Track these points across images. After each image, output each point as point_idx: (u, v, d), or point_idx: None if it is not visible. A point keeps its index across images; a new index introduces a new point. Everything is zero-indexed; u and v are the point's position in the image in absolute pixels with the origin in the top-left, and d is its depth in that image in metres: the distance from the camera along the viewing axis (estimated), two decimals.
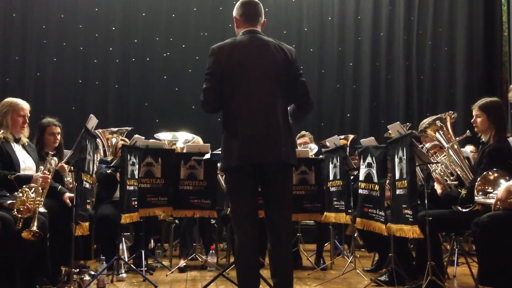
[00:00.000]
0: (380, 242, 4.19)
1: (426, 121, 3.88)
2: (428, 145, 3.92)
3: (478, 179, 3.13)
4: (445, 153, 3.72)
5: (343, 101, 7.71)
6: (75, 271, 3.55)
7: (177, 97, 7.33)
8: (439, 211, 3.62)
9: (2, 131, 3.31)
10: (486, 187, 3.07)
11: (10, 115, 3.58)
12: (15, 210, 3.09)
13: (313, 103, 2.93)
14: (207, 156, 4.02)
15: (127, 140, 4.88)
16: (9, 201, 3.24)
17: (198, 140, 5.33)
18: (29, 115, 3.72)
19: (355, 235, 4.89)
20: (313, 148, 5.31)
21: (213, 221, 5.17)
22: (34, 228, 3.04)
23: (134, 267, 4.26)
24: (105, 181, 4.66)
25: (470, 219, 3.22)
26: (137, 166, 4.19)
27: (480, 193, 3.08)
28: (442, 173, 3.67)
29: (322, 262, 4.81)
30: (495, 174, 3.07)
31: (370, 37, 7.76)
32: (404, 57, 7.71)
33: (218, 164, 4.38)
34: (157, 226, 5.15)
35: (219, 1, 7.58)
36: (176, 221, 5.15)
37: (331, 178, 4.41)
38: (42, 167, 3.56)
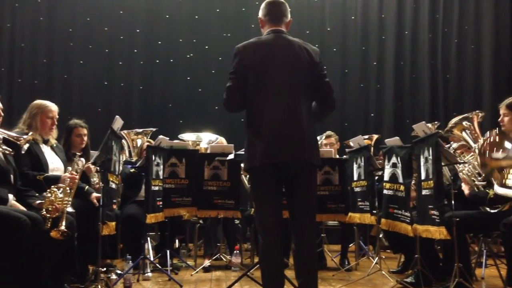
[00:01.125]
0: (405, 243, 4.13)
1: (454, 120, 3.83)
2: (455, 145, 3.86)
3: (482, 143, 3.05)
4: (472, 153, 3.65)
5: (367, 100, 7.65)
6: (102, 270, 3.60)
7: (201, 98, 7.39)
8: (466, 212, 3.56)
9: (31, 132, 3.38)
10: (494, 149, 2.99)
11: (39, 117, 3.66)
12: (44, 210, 3.14)
13: (335, 103, 2.92)
14: (231, 156, 4.04)
15: (152, 141, 4.94)
16: (38, 201, 3.30)
17: (222, 140, 5.36)
18: (57, 116, 3.79)
19: (380, 236, 4.84)
20: None
21: (237, 221, 5.18)
22: (63, 227, 3.09)
23: (160, 267, 4.29)
24: (129, 180, 4.73)
25: (498, 220, 3.17)
26: (161, 166, 4.23)
27: (489, 155, 3.00)
28: (469, 174, 3.61)
29: (346, 263, 4.78)
30: (498, 137, 2.99)
31: (394, 36, 7.68)
32: (429, 56, 7.59)
33: (242, 165, 4.40)
34: (181, 226, 5.19)
35: (242, 2, 7.61)
36: (200, 221, 5.19)
37: (355, 178, 4.38)
38: (69, 168, 3.62)
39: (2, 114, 3.26)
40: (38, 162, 3.58)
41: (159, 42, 7.53)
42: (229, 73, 2.79)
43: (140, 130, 5.43)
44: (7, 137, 3.04)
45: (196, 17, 7.61)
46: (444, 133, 3.99)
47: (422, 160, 3.46)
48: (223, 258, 4.79)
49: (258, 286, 3.66)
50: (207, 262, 4.65)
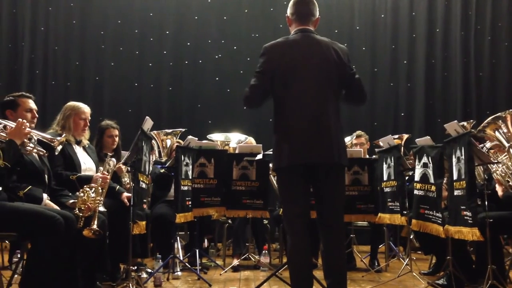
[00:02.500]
0: (437, 244, 4.06)
1: (487, 120, 3.74)
2: (488, 144, 3.77)
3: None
4: (506, 153, 3.56)
5: (397, 100, 7.55)
6: (133, 268, 3.66)
7: (229, 98, 7.41)
8: (500, 213, 3.48)
9: (64, 134, 3.46)
10: None
11: (72, 118, 3.75)
12: (76, 209, 3.22)
13: (366, 97, 2.96)
14: (259, 156, 4.04)
15: (181, 141, 4.99)
16: (71, 201, 3.38)
17: (251, 140, 5.37)
18: (89, 118, 3.87)
19: (411, 237, 4.77)
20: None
21: (265, 221, 5.19)
22: (95, 226, 3.15)
23: (189, 266, 4.33)
24: (159, 180, 4.79)
25: None
26: (190, 166, 4.27)
27: None
28: (503, 174, 3.52)
29: (376, 264, 4.72)
30: None
31: (425, 34, 7.56)
32: (462, 54, 7.44)
33: (270, 165, 4.40)
34: (210, 226, 5.23)
35: (270, 2, 7.61)
36: (229, 221, 5.21)
37: (385, 178, 4.33)
38: (101, 168, 3.69)
39: (37, 115, 3.36)
40: (71, 162, 3.67)
41: (188, 43, 7.60)
42: (255, 71, 2.80)
43: (170, 130, 5.48)
44: (41, 138, 3.12)
45: (225, 18, 7.65)
46: (476, 133, 3.90)
47: (454, 160, 3.40)
48: (252, 258, 4.81)
49: (286, 286, 3.65)
50: (235, 262, 4.68)
